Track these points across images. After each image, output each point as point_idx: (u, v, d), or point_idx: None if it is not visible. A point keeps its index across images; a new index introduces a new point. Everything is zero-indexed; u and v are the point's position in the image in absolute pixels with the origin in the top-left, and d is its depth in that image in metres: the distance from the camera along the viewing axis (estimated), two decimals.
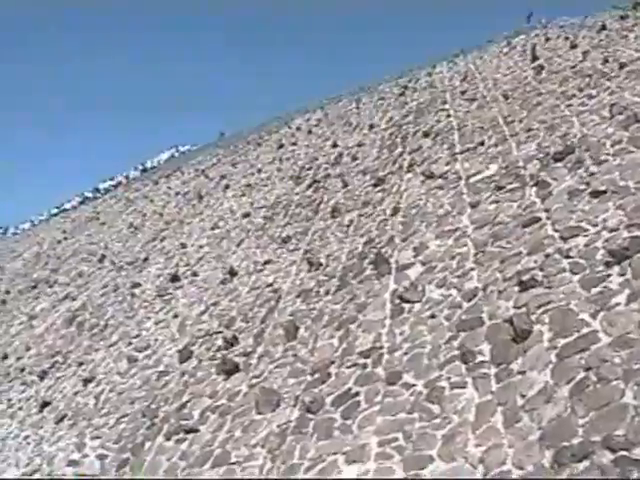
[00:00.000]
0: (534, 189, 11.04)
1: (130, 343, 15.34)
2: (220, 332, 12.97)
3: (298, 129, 26.01)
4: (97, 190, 45.11)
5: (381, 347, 9.40)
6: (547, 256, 8.95)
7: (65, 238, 32.62)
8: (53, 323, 20.52)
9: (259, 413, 9.78)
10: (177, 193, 27.28)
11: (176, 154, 44.58)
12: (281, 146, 24.40)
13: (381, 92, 25.04)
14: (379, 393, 8.54)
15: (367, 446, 7.85)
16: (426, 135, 16.57)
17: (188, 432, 10.57)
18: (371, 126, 20.24)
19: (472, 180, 12.65)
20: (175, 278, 17.25)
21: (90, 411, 13.52)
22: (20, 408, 16.19)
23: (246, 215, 18.78)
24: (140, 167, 45.30)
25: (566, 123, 13.00)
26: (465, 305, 9.11)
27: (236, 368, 11.28)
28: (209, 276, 16.17)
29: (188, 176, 29.69)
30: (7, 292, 28.56)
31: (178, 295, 16.30)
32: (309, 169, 19.54)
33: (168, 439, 10.82)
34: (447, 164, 14.14)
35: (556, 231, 9.45)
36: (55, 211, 47.54)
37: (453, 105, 17.96)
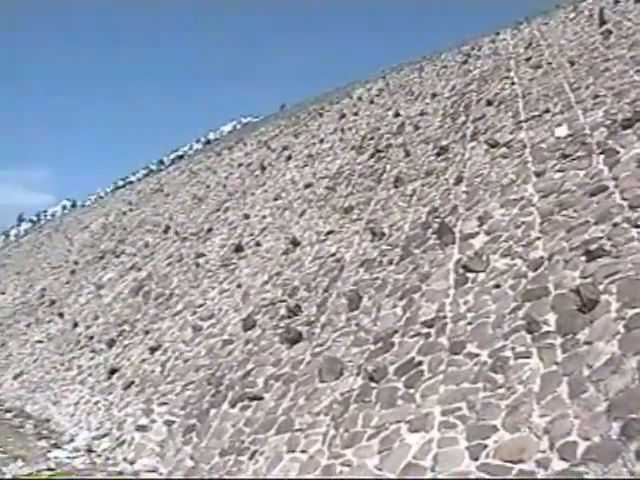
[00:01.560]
0: (601, 157, 10.76)
1: (195, 312, 15.56)
2: (283, 301, 13.06)
3: (360, 99, 25.82)
4: (161, 162, 45.66)
5: (445, 317, 9.34)
6: (615, 225, 8.73)
7: (131, 210, 33.15)
8: (120, 292, 20.93)
9: (322, 381, 9.85)
10: (240, 164, 27.40)
11: (238, 126, 44.78)
12: (343, 116, 24.27)
13: (444, 60, 24.67)
14: (442, 362, 8.50)
15: (430, 415, 7.84)
16: (490, 103, 16.27)
17: (252, 399, 10.72)
18: (434, 95, 19.98)
19: (537, 148, 12.40)
20: (239, 248, 17.39)
21: (157, 378, 13.80)
22: (90, 375, 16.63)
23: (308, 185, 18.78)
24: (203, 139, 45.67)
25: (635, 89, 12.61)
26: (530, 275, 8.97)
27: (299, 337, 11.37)
28: (272, 246, 16.25)
29: (251, 147, 29.78)
30: (76, 263, 29.22)
31: (241, 265, 16.43)
32: (371, 139, 19.41)
33: (233, 406, 10.99)
34: (511, 132, 13.89)
35: (624, 200, 9.20)
36: (121, 183, 48.31)
37: (517, 72, 17.58)
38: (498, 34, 24.16)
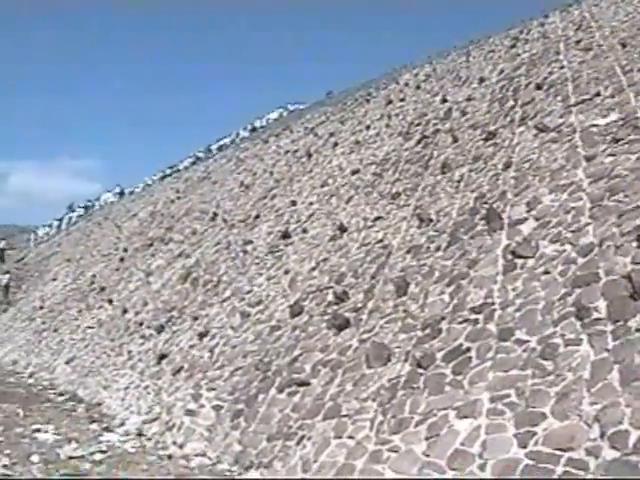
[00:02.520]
0: None
1: (243, 299, 15.67)
2: (330, 287, 13.08)
3: (406, 85, 25.65)
4: (209, 150, 45.89)
5: (493, 303, 9.28)
6: None
7: (178, 197, 33.43)
8: (169, 279, 21.16)
9: (370, 367, 9.86)
10: (286, 151, 27.44)
11: (285, 113, 44.77)
12: (389, 102, 24.13)
13: (491, 44, 24.36)
14: (491, 349, 8.46)
15: (478, 402, 7.82)
16: (539, 87, 16.04)
17: (300, 385, 10.78)
18: (481, 79, 19.75)
19: (587, 132, 12.21)
20: (286, 235, 17.44)
21: (205, 364, 13.94)
22: (140, 360, 16.87)
23: (355, 172, 18.73)
24: (249, 127, 45.75)
25: None
26: (580, 261, 8.86)
27: (347, 323, 11.38)
28: (319, 233, 16.27)
29: (297, 134, 29.80)
30: (125, 250, 29.61)
31: (289, 252, 16.49)
32: (418, 125, 19.28)
33: (281, 391, 11.07)
34: (561, 116, 13.68)
35: None
36: (168, 172, 48.72)
37: (567, 55, 17.29)
38: (547, 17, 23.78)
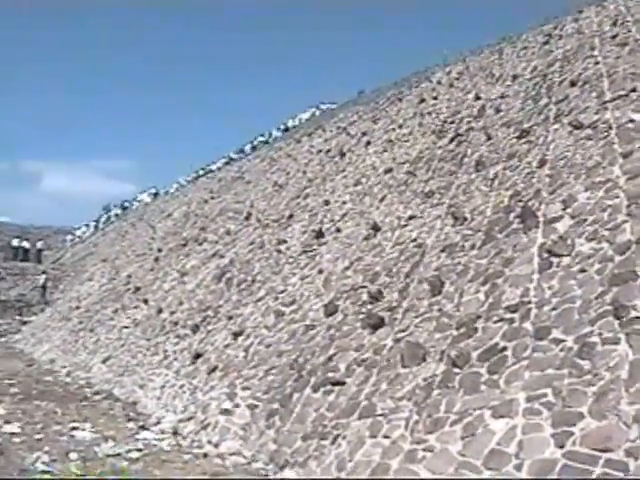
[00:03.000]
0: None
1: (277, 298, 15.72)
2: (365, 287, 13.07)
3: (439, 83, 25.50)
4: (242, 151, 46.04)
5: (529, 302, 9.21)
6: None
7: (212, 198, 33.60)
8: (203, 279, 21.29)
9: (404, 367, 9.84)
10: (319, 151, 27.45)
11: (317, 113, 44.74)
12: (422, 100, 24.03)
13: (524, 41, 24.12)
14: (527, 348, 8.40)
15: (515, 401, 7.77)
16: (573, 84, 15.87)
17: (335, 384, 10.79)
18: (514, 77, 19.59)
19: (623, 129, 12.06)
20: (319, 234, 17.46)
21: (240, 363, 14.01)
22: (175, 359, 17.00)
23: (388, 171, 18.69)
24: (282, 127, 45.82)
25: None
26: (617, 259, 8.76)
27: (381, 322, 11.37)
28: (353, 232, 16.27)
29: (330, 134, 29.79)
30: (159, 250, 29.84)
31: (322, 251, 16.51)
32: (451, 123, 19.18)
33: (315, 391, 11.09)
34: (596, 113, 13.53)
35: None
36: (201, 172, 48.96)
37: (602, 51, 17.08)
38: (581, 12, 23.50)
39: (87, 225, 61.30)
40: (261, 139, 45.63)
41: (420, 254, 12.81)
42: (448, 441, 8.04)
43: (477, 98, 19.86)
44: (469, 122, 18.20)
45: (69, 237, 61.35)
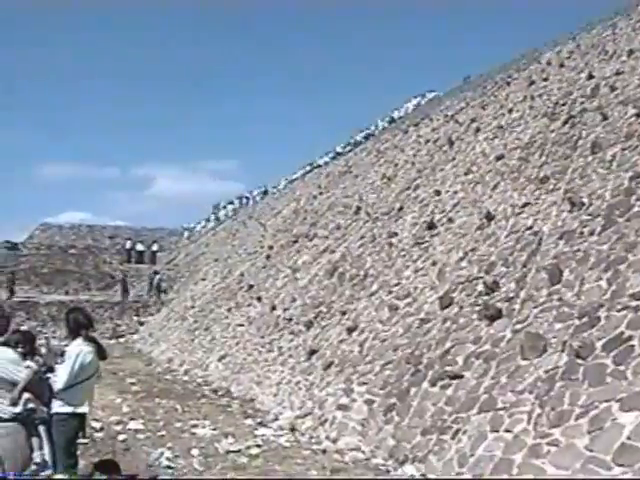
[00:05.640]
0: None
1: (390, 292, 15.72)
2: (480, 278, 12.93)
3: (549, 63, 24.83)
4: (348, 144, 46.21)
5: None
6: None
7: (321, 193, 33.86)
8: (315, 275, 21.50)
9: (525, 359, 9.70)
10: (427, 140, 27.22)
11: (422, 102, 44.40)
12: (532, 83, 23.46)
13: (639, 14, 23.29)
14: None
15: None
16: None
17: (453, 378, 10.73)
18: (630, 52, 18.87)
19: None
20: (431, 226, 17.35)
21: (355, 358, 14.10)
22: (290, 356, 17.25)
23: (500, 157, 18.37)
24: (387, 118, 45.71)
25: None
26: None
27: (499, 313, 11.23)
28: (465, 222, 16.09)
29: (437, 122, 29.50)
30: (270, 247, 30.30)
31: (435, 242, 16.40)
32: (564, 104, 18.66)
33: (433, 385, 11.05)
34: None
35: None
36: (309, 168, 49.44)
37: None
38: None
39: (203, 225, 62.86)
40: (367, 132, 45.66)
41: (537, 242, 12.55)
42: (574, 435, 7.87)
43: (590, 77, 19.25)
44: (582, 103, 17.66)
45: (186, 234, 63.13)
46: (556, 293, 10.58)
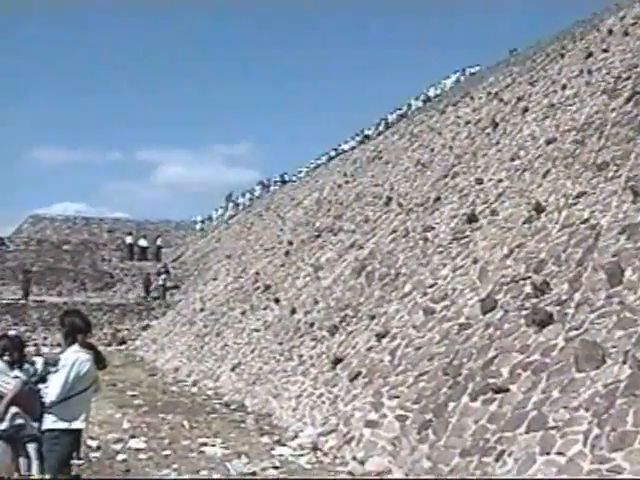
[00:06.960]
0: None
1: (425, 293, 15.64)
2: (528, 277, 12.81)
3: (610, 32, 24.56)
4: (378, 127, 46.11)
5: None
6: None
7: (347, 182, 33.83)
8: (340, 274, 21.45)
9: (580, 370, 9.57)
10: (467, 122, 27.11)
11: (462, 78, 44.25)
12: (589, 55, 23.26)
13: None
14: None
15: None
16: None
17: (497, 392, 10.63)
18: None
19: None
20: (472, 218, 17.25)
21: (386, 368, 14.02)
22: (312, 365, 17.20)
23: (551, 141, 18.23)
24: (423, 97, 45.57)
25: None
26: None
27: (550, 318, 11.10)
28: (511, 214, 15.97)
29: (479, 101, 29.38)
30: (290, 243, 30.29)
31: (476, 237, 16.30)
32: (627, 79, 18.45)
33: (474, 399, 10.95)
34: None
35: None
36: (333, 154, 49.39)
37: None
38: None
39: (210, 218, 62.92)
40: (399, 112, 45.55)
41: (593, 237, 12.41)
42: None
43: None
44: None
45: (198, 226, 63.24)
46: (616, 296, 10.44)
